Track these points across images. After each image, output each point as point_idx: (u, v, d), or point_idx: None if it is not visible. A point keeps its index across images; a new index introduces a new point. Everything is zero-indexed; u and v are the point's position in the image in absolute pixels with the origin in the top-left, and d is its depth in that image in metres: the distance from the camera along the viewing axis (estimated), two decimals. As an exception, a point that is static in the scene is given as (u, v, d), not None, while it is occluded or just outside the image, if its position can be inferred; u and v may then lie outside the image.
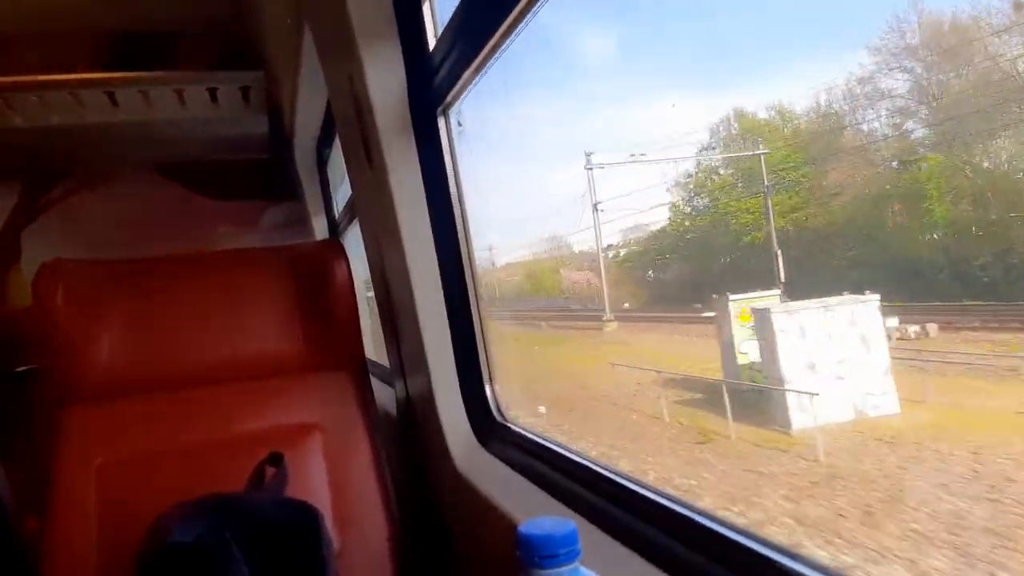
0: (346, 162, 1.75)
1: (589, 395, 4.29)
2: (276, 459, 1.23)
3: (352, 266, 1.48)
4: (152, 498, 1.13)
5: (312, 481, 1.32)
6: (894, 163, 2.37)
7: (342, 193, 3.12)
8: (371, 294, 1.98)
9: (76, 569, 1.22)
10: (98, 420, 1.34)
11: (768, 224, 2.74)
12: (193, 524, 1.06)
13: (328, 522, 1.16)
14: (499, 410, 1.38)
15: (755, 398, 2.75)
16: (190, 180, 3.35)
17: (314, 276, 1.46)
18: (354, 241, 2.41)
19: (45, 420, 1.34)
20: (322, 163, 3.27)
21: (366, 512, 1.34)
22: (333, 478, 1.34)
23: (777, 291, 2.60)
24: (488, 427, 1.37)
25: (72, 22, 2.68)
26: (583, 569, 0.63)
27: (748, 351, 2.66)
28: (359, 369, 1.49)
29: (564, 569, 0.62)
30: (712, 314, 2.97)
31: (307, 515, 1.13)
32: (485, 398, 1.39)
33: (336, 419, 1.40)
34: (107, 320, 1.37)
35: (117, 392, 1.36)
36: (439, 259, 1.40)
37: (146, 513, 1.11)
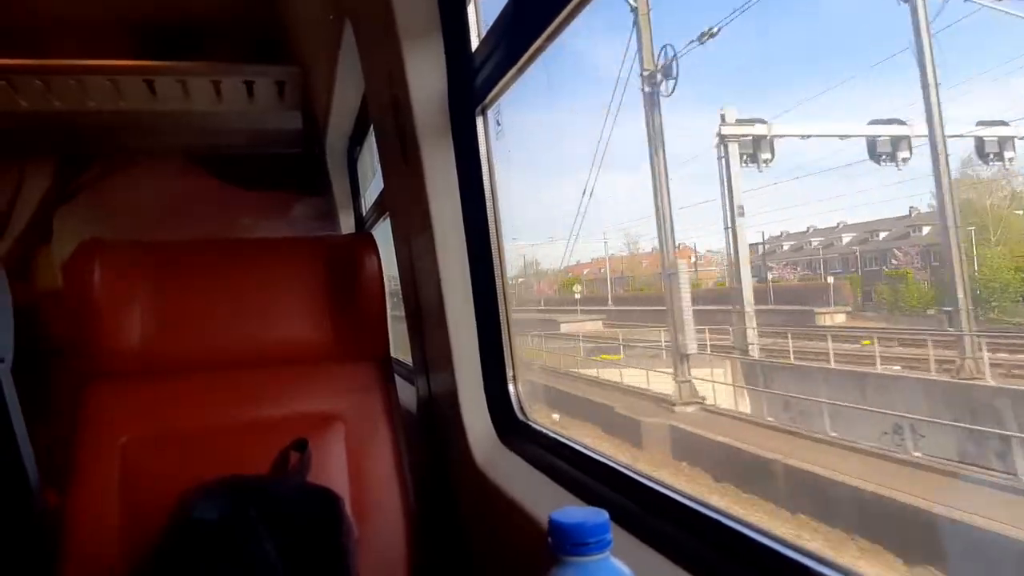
0: (380, 159, 1.77)
1: None
2: (301, 445, 1.24)
3: None
4: (176, 477, 1.14)
5: (332, 469, 1.33)
6: None
7: (370, 190, 3.15)
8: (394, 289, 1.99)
9: (98, 544, 1.23)
10: (125, 398, 1.35)
11: None
12: (217, 503, 1.08)
13: (347, 510, 1.17)
14: (521, 409, 1.38)
15: None
16: (220, 171, 3.38)
17: (344, 267, 1.48)
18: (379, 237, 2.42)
19: (70, 396, 1.36)
20: (352, 160, 3.30)
21: (384, 503, 1.35)
22: (353, 467, 1.35)
23: None
24: (510, 426, 1.38)
25: (112, 11, 2.73)
26: (613, 560, 0.63)
27: None
28: (384, 362, 1.50)
29: (595, 558, 0.62)
30: None
31: (329, 501, 1.14)
32: (508, 397, 1.39)
33: (359, 410, 1.41)
34: (139, 299, 1.39)
35: (145, 371, 1.38)
36: (470, 258, 1.40)
37: (170, 492, 1.12)
